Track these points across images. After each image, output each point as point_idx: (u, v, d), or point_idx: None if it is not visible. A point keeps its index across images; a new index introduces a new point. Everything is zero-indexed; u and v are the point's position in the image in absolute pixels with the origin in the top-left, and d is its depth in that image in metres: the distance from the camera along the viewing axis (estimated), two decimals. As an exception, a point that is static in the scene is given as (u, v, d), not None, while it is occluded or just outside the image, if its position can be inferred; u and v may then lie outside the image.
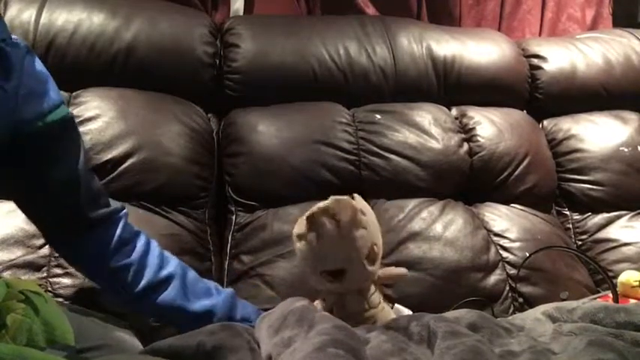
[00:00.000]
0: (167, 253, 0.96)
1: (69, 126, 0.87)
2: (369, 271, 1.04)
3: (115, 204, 0.93)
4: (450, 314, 0.89)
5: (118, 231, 0.90)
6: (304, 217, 1.03)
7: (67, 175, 0.86)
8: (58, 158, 0.85)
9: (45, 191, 0.86)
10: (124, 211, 0.94)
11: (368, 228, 1.04)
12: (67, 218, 0.88)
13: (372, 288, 1.07)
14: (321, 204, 1.04)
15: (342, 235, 1.00)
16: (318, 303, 1.05)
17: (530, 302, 1.23)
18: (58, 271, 1.06)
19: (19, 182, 0.85)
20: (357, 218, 1.02)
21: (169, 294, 0.91)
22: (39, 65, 0.84)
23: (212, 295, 0.96)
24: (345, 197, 1.06)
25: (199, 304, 0.93)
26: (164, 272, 0.92)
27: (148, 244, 0.94)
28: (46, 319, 0.67)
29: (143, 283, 0.90)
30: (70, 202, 0.87)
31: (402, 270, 1.10)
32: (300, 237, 1.03)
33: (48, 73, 0.86)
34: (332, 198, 1.05)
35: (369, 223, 1.06)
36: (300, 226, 1.03)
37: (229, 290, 1.00)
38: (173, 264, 0.94)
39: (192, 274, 0.97)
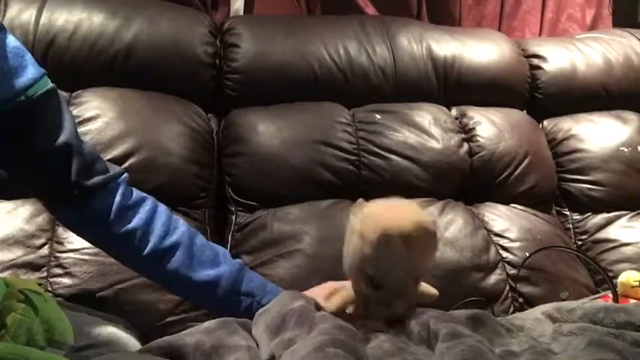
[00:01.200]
0: (175, 220, 0.95)
1: (52, 98, 0.86)
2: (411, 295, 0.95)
3: (113, 169, 0.92)
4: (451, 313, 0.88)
5: (117, 198, 0.89)
6: (381, 224, 0.87)
7: (55, 146, 0.85)
8: (43, 130, 0.84)
9: (34, 163, 0.85)
10: (124, 176, 0.92)
11: (426, 252, 0.93)
12: (61, 188, 0.87)
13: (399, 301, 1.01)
14: (406, 223, 0.88)
15: (408, 253, 0.89)
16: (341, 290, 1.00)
17: (530, 302, 1.22)
18: (58, 271, 1.07)
19: (6, 156, 0.85)
20: (428, 245, 0.89)
21: (173, 263, 0.90)
22: (12, 41, 0.83)
23: (219, 265, 0.94)
24: (430, 220, 0.91)
25: (204, 274, 0.92)
26: (168, 241, 0.91)
27: (153, 211, 0.92)
28: (45, 318, 0.67)
29: (147, 250, 0.89)
30: (61, 172, 0.86)
31: (434, 291, 1.05)
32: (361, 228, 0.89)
33: (23, 47, 0.84)
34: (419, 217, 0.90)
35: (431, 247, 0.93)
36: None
37: (238, 261, 0.99)
38: (179, 231, 0.93)
39: (199, 241, 0.95)
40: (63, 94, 1.23)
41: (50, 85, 0.85)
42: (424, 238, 0.88)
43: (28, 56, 0.84)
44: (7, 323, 0.62)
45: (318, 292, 0.97)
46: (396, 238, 0.86)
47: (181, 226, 0.94)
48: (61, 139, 0.85)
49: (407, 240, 0.86)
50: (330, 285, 1.00)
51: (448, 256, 1.24)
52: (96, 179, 0.88)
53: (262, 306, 0.93)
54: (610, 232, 1.44)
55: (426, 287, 1.01)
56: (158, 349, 0.74)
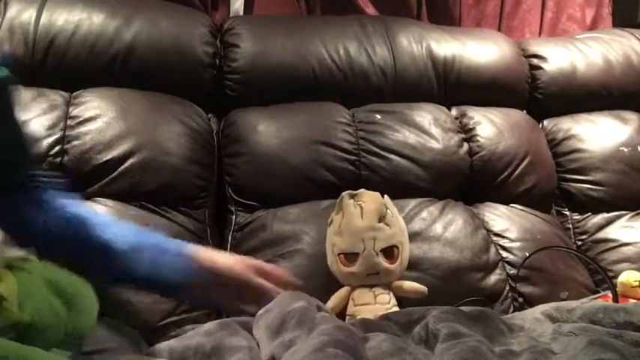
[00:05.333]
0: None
1: (5, 90, 0.78)
2: (381, 266, 1.06)
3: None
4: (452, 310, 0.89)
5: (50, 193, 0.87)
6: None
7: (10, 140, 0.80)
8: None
9: None
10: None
11: (392, 227, 1.08)
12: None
13: (384, 288, 1.09)
14: (353, 191, 1.14)
15: (363, 220, 1.07)
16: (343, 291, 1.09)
17: (530, 302, 1.22)
18: (58, 271, 1.07)
19: None
20: (380, 210, 1.06)
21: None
22: None
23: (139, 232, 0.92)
24: (376, 192, 1.16)
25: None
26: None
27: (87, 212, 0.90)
28: (46, 277, 0.65)
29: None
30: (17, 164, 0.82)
31: (422, 288, 1.13)
32: (331, 219, 1.14)
33: None
34: (363, 190, 1.15)
35: (394, 223, 1.09)
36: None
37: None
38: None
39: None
40: (63, 94, 1.24)
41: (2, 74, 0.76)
42: (375, 204, 1.10)
43: None
44: (4, 294, 0.60)
45: None
46: (346, 197, 1.12)
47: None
48: (17, 131, 0.81)
49: (358, 202, 1.11)
50: None
51: (448, 256, 1.24)
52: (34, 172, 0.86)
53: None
54: (610, 232, 1.44)
55: (412, 284, 1.12)
56: (161, 352, 0.75)
